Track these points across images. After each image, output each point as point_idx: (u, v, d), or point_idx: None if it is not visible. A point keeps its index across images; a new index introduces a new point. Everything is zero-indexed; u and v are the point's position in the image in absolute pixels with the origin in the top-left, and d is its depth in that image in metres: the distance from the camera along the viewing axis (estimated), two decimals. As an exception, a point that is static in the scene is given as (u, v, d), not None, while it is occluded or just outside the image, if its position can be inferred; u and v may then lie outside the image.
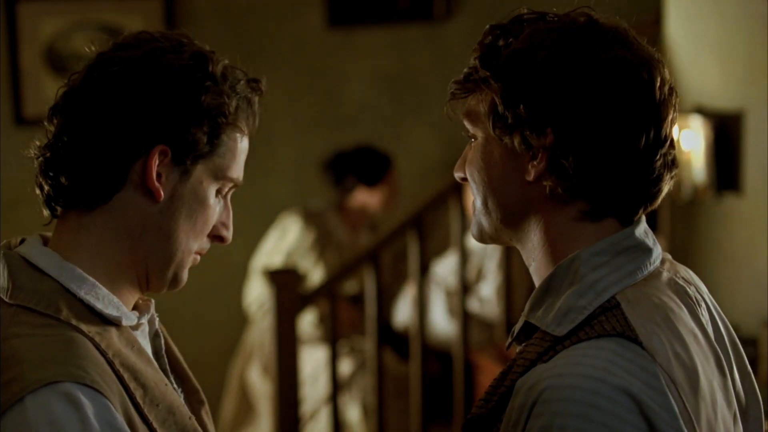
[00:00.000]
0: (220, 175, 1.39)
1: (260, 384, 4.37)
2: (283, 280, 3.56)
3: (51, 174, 1.35)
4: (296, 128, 4.74)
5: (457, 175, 1.42)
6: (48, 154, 1.35)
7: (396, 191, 4.53)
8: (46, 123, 1.36)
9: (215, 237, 1.43)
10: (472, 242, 4.36)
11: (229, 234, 1.44)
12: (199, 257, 1.43)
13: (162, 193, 1.35)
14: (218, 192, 1.40)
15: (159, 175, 1.35)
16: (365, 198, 4.48)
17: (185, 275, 1.42)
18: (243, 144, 1.41)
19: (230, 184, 1.41)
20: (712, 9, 3.54)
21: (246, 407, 4.43)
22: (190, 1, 4.67)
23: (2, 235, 1.32)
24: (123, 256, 1.37)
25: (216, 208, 1.40)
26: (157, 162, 1.34)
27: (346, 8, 4.79)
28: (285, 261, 4.35)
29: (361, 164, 4.46)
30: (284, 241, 4.40)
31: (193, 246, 1.40)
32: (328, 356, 3.81)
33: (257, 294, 4.38)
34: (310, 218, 4.42)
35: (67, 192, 1.35)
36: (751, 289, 3.31)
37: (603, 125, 1.29)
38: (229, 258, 4.55)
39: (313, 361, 4.20)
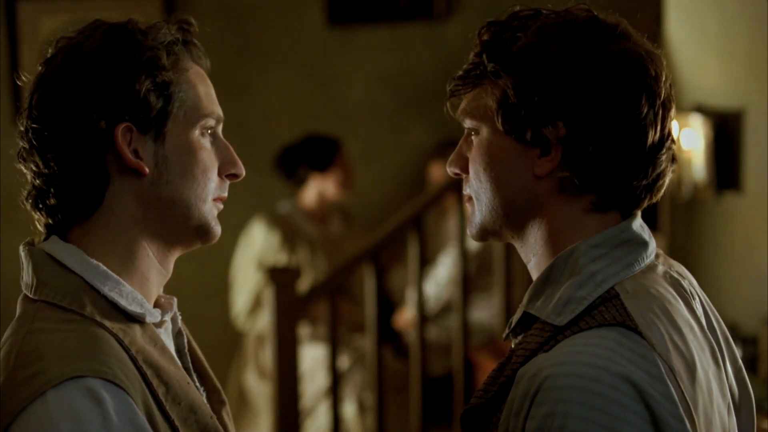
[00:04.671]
0: (192, 118, 1.37)
1: (257, 386, 4.38)
2: (283, 278, 3.56)
3: (41, 205, 1.36)
4: (295, 127, 4.74)
5: (452, 170, 1.43)
6: (33, 192, 1.37)
7: (350, 173, 4.51)
8: (21, 167, 1.38)
9: (228, 176, 1.42)
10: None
11: (239, 168, 1.42)
12: (221, 204, 1.42)
13: (145, 166, 1.35)
14: (203, 134, 1.39)
15: (135, 151, 1.35)
16: (320, 185, 4.46)
17: (215, 226, 1.40)
18: (199, 79, 1.40)
19: (211, 121, 1.40)
20: (712, 7, 3.54)
21: (244, 409, 4.43)
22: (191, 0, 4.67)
23: (2, 235, 1.32)
24: (134, 244, 1.37)
25: (209, 150, 1.39)
26: (126, 140, 1.34)
27: (346, 7, 4.79)
28: (259, 268, 4.36)
29: (308, 152, 4.46)
30: (252, 248, 4.41)
31: (205, 195, 1.38)
32: (328, 354, 3.81)
33: (241, 305, 4.40)
34: (274, 220, 4.43)
35: (62, 211, 1.36)
36: (751, 288, 3.31)
37: (617, 117, 1.31)
38: (228, 257, 4.55)
39: (309, 358, 4.20)
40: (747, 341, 3.22)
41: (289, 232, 4.42)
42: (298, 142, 4.49)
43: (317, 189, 4.47)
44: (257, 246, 4.39)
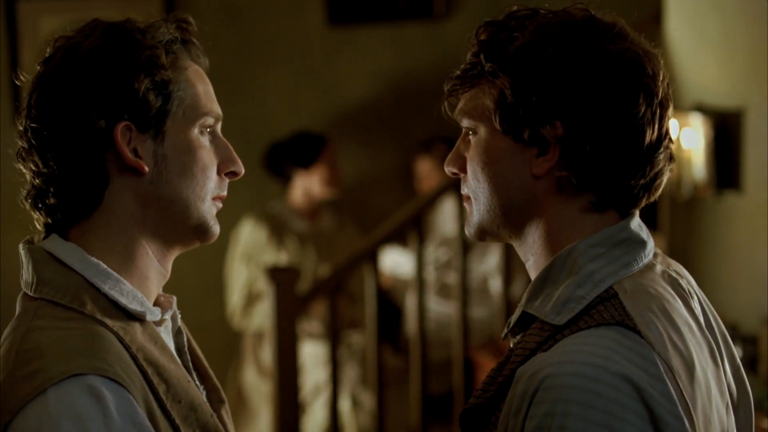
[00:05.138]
0: (192, 117, 1.38)
1: (257, 384, 4.38)
2: (283, 277, 3.57)
3: (40, 205, 1.37)
4: (295, 126, 4.74)
5: (450, 170, 1.43)
6: (32, 191, 1.37)
7: (336, 170, 4.52)
8: (21, 166, 1.38)
9: (228, 174, 1.42)
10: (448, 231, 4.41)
11: (239, 166, 1.42)
12: (220, 203, 1.42)
13: (144, 165, 1.35)
14: (202, 132, 1.39)
15: (135, 150, 1.35)
16: (305, 181, 4.48)
17: (213, 225, 1.40)
18: (197, 78, 1.40)
19: (210, 120, 1.40)
20: (712, 6, 3.54)
21: (242, 408, 4.44)
22: None
23: (2, 235, 1.33)
24: (134, 243, 1.37)
25: (208, 149, 1.39)
26: (126, 139, 1.34)
27: (346, 6, 4.79)
28: (249, 263, 4.38)
29: (294, 149, 4.47)
30: (240, 245, 4.43)
31: (204, 194, 1.38)
32: (328, 352, 3.82)
33: (234, 302, 4.42)
34: (261, 217, 4.46)
35: (62, 210, 1.36)
36: (752, 287, 3.31)
37: (614, 116, 1.31)
38: (228, 257, 4.56)
39: (305, 354, 4.22)
40: (747, 341, 3.22)
41: (277, 227, 4.44)
42: (286, 140, 4.51)
43: (303, 186, 4.48)
44: (244, 241, 4.41)
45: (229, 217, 4.53)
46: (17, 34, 4.50)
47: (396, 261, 4.51)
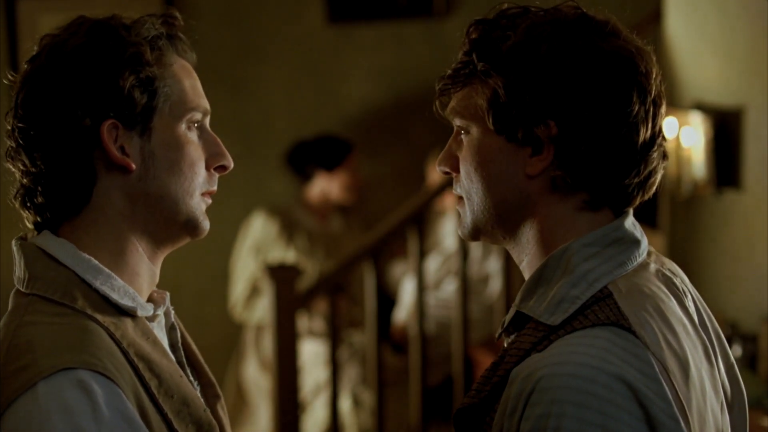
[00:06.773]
0: (178, 112, 1.37)
1: (258, 379, 4.39)
2: (283, 275, 3.57)
3: (29, 204, 1.37)
4: (295, 124, 4.74)
5: (442, 168, 1.42)
6: (21, 190, 1.37)
7: (358, 177, 4.55)
8: (10, 165, 1.38)
9: (217, 169, 1.42)
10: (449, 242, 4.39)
11: (228, 160, 1.42)
12: (210, 198, 1.42)
13: (131, 162, 1.35)
14: (189, 128, 1.39)
15: (122, 148, 1.35)
16: (325, 184, 4.50)
17: (203, 220, 1.40)
18: (184, 73, 1.39)
19: (197, 115, 1.39)
20: (712, 5, 3.54)
21: (242, 404, 4.45)
22: (190, -2, 4.67)
23: (2, 235, 1.33)
24: (124, 240, 1.37)
25: (196, 144, 1.39)
26: (112, 137, 1.34)
27: (346, 5, 4.79)
28: (257, 256, 4.39)
29: (321, 151, 4.49)
30: (250, 237, 4.44)
31: (192, 189, 1.38)
32: (327, 351, 3.82)
33: (238, 294, 4.43)
34: (273, 211, 4.48)
35: (50, 209, 1.36)
36: (751, 286, 3.31)
37: (608, 115, 1.31)
38: (227, 255, 4.56)
39: (306, 352, 4.22)
40: (747, 339, 3.22)
41: (288, 223, 4.46)
42: (312, 139, 4.52)
43: (322, 187, 4.51)
44: (255, 234, 4.43)
45: (229, 214, 4.53)
46: (17, 33, 4.50)
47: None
